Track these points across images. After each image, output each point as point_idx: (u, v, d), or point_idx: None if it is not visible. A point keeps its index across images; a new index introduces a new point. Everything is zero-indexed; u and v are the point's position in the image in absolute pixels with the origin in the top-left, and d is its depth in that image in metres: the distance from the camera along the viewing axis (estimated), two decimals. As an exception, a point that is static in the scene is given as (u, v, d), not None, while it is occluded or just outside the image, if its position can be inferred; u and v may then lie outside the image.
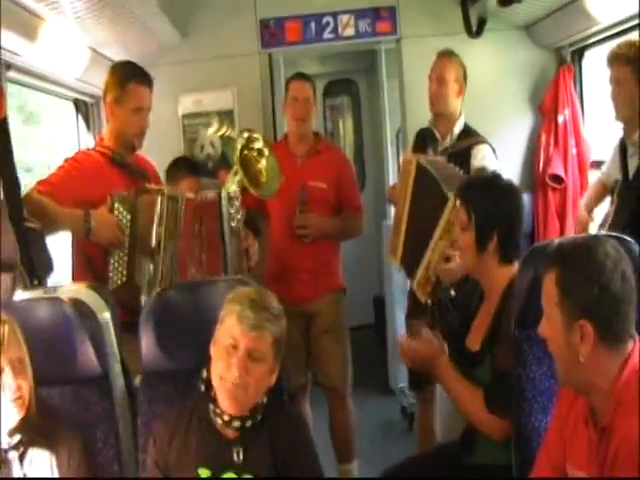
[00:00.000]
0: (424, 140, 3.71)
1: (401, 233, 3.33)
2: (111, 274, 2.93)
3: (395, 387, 5.19)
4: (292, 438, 2.11)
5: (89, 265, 3.02)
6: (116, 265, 2.94)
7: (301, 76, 3.76)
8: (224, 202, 3.00)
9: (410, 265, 3.23)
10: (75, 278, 3.05)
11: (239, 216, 3.05)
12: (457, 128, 3.65)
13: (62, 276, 3.06)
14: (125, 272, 2.93)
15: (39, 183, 2.99)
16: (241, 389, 2.02)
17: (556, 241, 2.32)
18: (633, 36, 3.40)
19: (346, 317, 3.89)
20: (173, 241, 2.94)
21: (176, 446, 2.11)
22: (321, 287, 3.79)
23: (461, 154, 3.53)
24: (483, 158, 3.51)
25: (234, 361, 2.01)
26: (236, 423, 2.07)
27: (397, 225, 3.41)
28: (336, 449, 3.86)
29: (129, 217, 2.93)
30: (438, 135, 3.68)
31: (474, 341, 2.51)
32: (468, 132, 3.65)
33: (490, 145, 3.59)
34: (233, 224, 3.03)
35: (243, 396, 2.04)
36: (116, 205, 2.92)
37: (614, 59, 3.14)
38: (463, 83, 3.66)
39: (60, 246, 3.18)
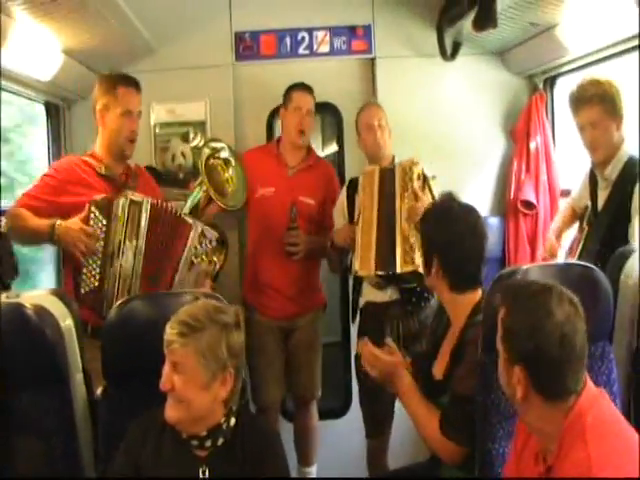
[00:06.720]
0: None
1: (372, 244, 3.28)
2: (83, 277, 2.90)
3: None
4: (263, 453, 2.09)
5: (75, 275, 2.97)
6: (89, 269, 2.91)
7: (305, 87, 3.71)
8: (193, 234, 2.99)
9: (386, 259, 3.22)
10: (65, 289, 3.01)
11: (204, 256, 3.01)
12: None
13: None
14: (97, 277, 2.90)
15: (21, 196, 3.01)
16: (176, 401, 2.01)
17: (523, 267, 2.33)
18: (601, 69, 3.44)
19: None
20: (133, 244, 2.91)
21: (147, 456, 2.08)
22: (304, 304, 3.76)
23: None
24: None
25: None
26: (194, 442, 2.06)
27: (365, 239, 3.32)
28: (298, 451, 3.88)
29: (105, 222, 2.90)
30: None
31: (439, 369, 2.49)
32: None
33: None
34: (194, 259, 2.99)
35: (183, 410, 2.01)
36: (92, 209, 2.89)
37: (582, 101, 2.97)
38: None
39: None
